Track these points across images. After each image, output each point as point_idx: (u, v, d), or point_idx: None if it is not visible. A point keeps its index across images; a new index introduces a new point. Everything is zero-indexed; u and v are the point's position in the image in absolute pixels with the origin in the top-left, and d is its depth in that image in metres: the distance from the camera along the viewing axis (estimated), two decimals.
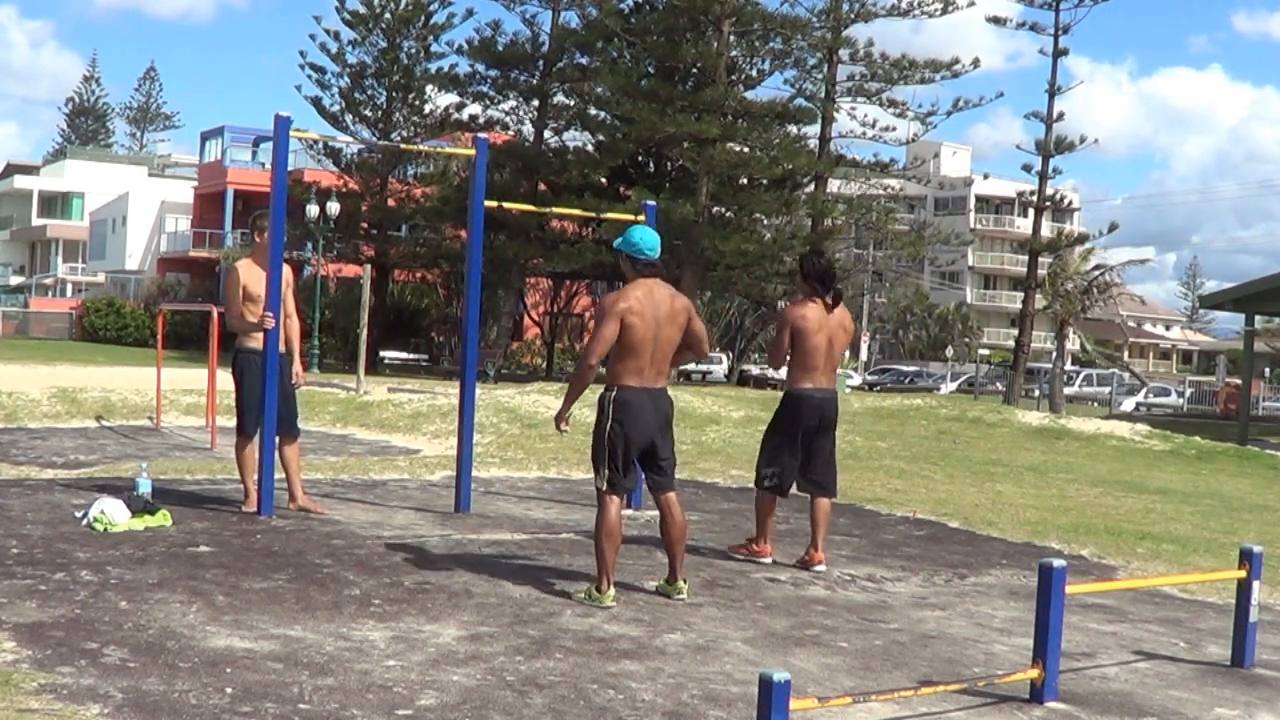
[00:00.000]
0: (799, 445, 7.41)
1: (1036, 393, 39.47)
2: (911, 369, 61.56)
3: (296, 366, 8.46)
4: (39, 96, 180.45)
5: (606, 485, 6.16)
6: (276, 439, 8.11)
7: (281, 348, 8.11)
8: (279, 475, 8.17)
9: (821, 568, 7.41)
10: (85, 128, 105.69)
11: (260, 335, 7.99)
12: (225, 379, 15.42)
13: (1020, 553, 8.50)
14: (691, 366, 46.12)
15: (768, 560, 7.50)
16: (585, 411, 16.27)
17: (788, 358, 7.43)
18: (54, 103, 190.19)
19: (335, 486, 9.80)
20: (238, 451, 8.32)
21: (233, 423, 13.87)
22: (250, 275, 8.04)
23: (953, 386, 56.71)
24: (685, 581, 6.41)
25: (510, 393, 18.61)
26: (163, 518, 7.60)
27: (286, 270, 8.31)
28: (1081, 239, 39.92)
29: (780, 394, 7.82)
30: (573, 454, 12.63)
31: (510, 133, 39.03)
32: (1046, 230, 40.47)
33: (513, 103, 39.50)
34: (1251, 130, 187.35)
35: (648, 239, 6.33)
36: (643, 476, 6.53)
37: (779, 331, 7.46)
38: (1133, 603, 7.06)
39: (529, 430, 14.82)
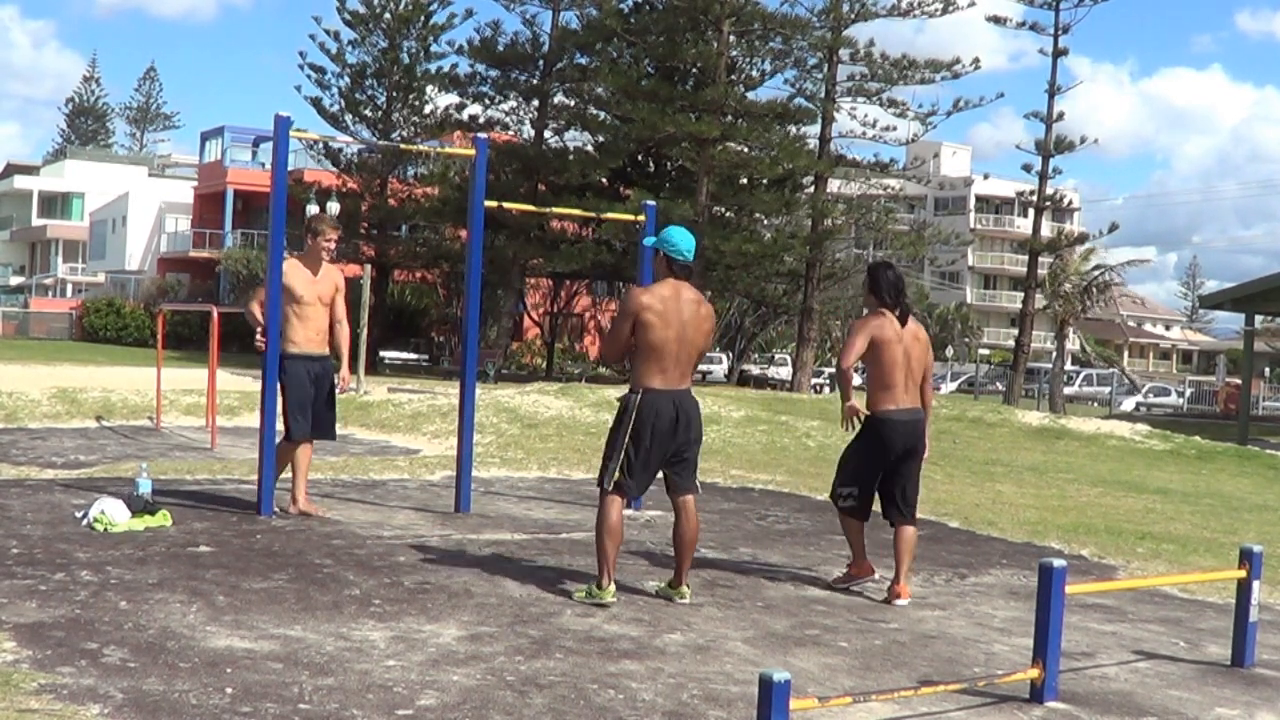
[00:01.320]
0: (882, 470, 6.78)
1: (1051, 392, 39.27)
2: None
3: (344, 371, 8.43)
4: (41, 96, 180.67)
5: (613, 485, 6.12)
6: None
7: (321, 349, 8.09)
8: (285, 474, 8.18)
9: (903, 602, 6.63)
10: (85, 128, 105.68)
11: (299, 338, 7.97)
12: (225, 379, 15.48)
13: (1020, 553, 8.51)
14: None
15: (875, 577, 6.91)
16: (585, 411, 16.27)
17: (856, 369, 6.83)
18: (56, 103, 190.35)
19: (335, 486, 9.80)
20: (280, 454, 8.22)
21: (233, 423, 13.96)
22: (296, 276, 7.98)
23: (953, 386, 56.71)
24: (689, 588, 6.38)
25: (510, 393, 18.61)
26: (163, 518, 7.60)
27: (337, 274, 8.28)
28: (1081, 239, 39.92)
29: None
30: (573, 454, 12.64)
31: (510, 133, 38.99)
32: (1046, 230, 40.46)
33: (513, 103, 39.47)
34: (1253, 130, 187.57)
35: (686, 240, 6.26)
36: (660, 475, 6.36)
37: (853, 336, 6.77)
38: (1133, 603, 7.06)
39: (529, 430, 14.82)
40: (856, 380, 7.17)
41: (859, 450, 6.85)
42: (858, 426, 6.78)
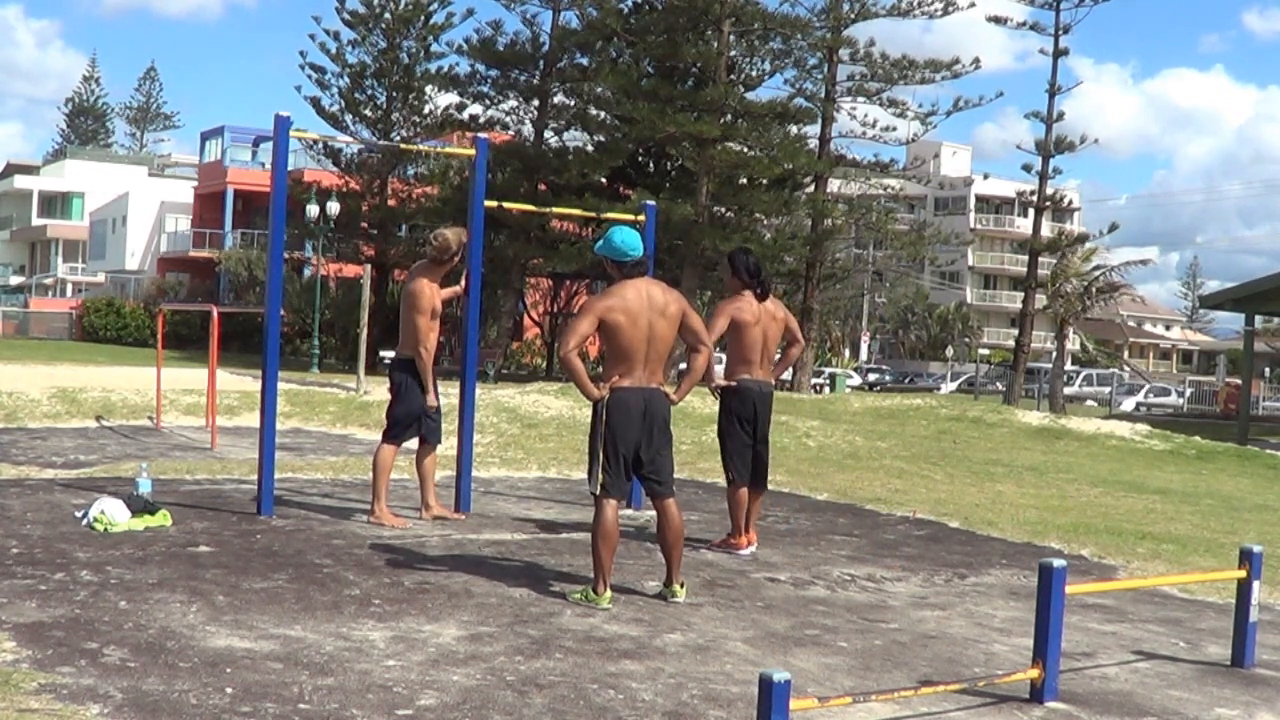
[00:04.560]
0: (749, 434, 7.75)
1: (1051, 392, 39.25)
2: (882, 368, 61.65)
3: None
4: (45, 96, 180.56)
5: (601, 489, 6.12)
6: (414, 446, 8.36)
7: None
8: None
9: (746, 552, 7.79)
10: (85, 128, 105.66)
11: (432, 348, 8.04)
12: (225, 379, 15.48)
13: (1020, 553, 8.51)
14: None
15: (746, 552, 7.79)
16: (585, 411, 16.26)
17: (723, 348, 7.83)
18: (60, 103, 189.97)
19: (335, 486, 9.80)
20: (387, 459, 8.24)
21: (233, 423, 13.96)
22: (436, 293, 8.09)
23: (953, 386, 56.73)
24: (682, 585, 6.40)
25: (510, 393, 18.61)
26: (163, 518, 7.60)
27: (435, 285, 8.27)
28: (1081, 239, 39.89)
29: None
30: (572, 454, 12.63)
31: (510, 133, 38.97)
32: (1047, 230, 40.43)
33: (513, 103, 39.43)
34: (1258, 130, 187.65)
35: (629, 240, 6.24)
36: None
37: (716, 318, 7.66)
38: (1133, 603, 7.06)
39: (529, 430, 14.82)
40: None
41: (726, 426, 7.76)
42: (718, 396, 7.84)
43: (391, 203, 40.99)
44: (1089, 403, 48.16)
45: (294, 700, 4.38)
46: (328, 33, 39.88)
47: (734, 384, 7.71)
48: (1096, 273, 39.64)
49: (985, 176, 59.08)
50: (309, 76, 40.21)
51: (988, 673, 5.30)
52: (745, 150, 35.50)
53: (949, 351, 71.22)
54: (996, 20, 38.26)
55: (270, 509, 8.11)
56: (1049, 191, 38.25)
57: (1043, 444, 17.88)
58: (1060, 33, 36.89)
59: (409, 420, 8.16)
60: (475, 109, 39.78)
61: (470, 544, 7.60)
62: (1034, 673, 4.88)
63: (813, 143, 37.05)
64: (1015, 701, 4.90)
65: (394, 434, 8.22)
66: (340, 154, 40.76)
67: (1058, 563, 4.88)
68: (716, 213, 35.68)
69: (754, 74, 37.56)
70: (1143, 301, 65.11)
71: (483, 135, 9.52)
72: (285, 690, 4.48)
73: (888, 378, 60.37)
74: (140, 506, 7.66)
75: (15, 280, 73.52)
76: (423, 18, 40.02)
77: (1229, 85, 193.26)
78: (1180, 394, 53.41)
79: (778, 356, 8.16)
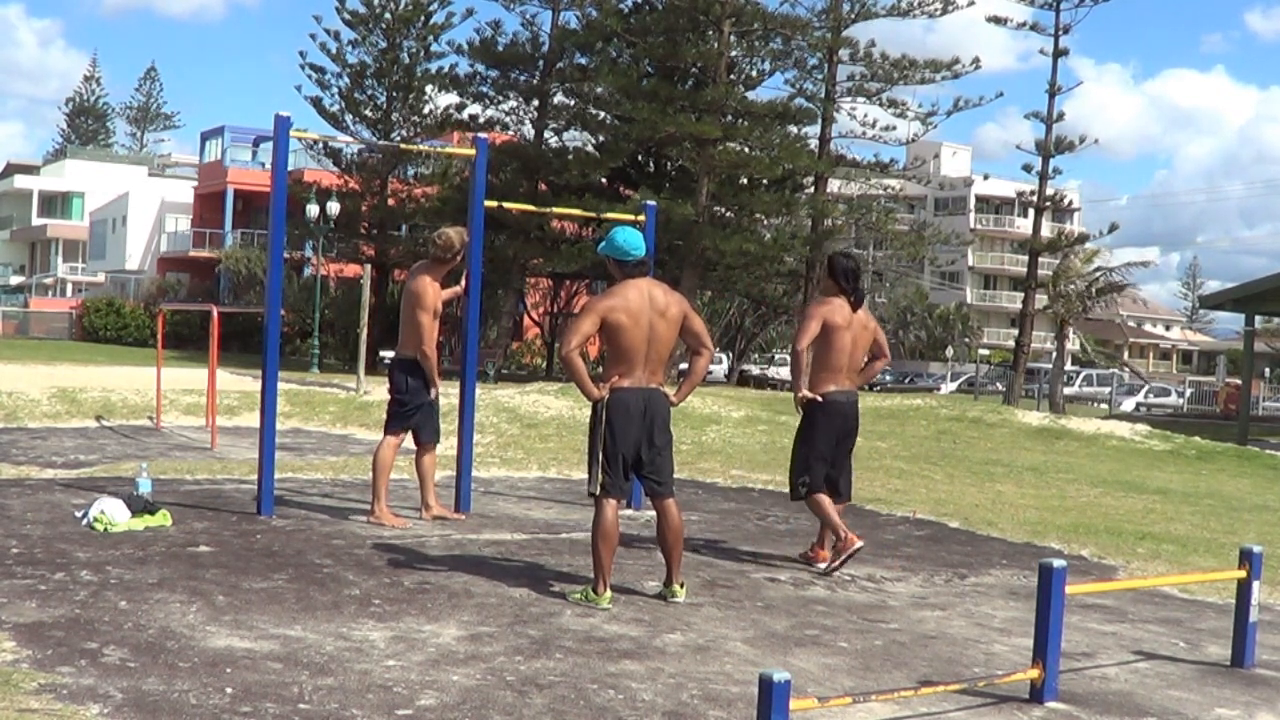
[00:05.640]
0: (830, 449, 7.30)
1: (1051, 392, 39.18)
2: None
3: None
4: (46, 96, 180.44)
5: (600, 489, 6.13)
6: (416, 446, 8.34)
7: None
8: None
9: (824, 565, 7.43)
10: (85, 127, 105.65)
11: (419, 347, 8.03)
12: (225, 379, 15.49)
13: (1020, 553, 8.51)
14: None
15: (860, 545, 7.20)
16: (585, 411, 16.29)
17: (810, 353, 7.28)
18: (61, 103, 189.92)
19: (335, 486, 9.80)
20: (388, 457, 8.23)
21: (233, 423, 13.96)
22: (439, 292, 8.10)
23: (953, 386, 56.74)
24: (682, 585, 6.40)
25: (510, 393, 18.62)
26: (163, 518, 7.60)
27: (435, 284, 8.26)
28: (1082, 239, 39.90)
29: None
30: (572, 454, 12.63)
31: (510, 133, 38.97)
32: (1047, 230, 40.44)
33: (513, 103, 39.45)
34: (1259, 131, 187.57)
35: (632, 240, 6.25)
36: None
37: (808, 319, 7.21)
38: (1133, 603, 7.06)
39: (529, 430, 14.82)
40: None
41: (805, 439, 7.31)
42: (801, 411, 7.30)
43: (391, 203, 40.98)
44: (1100, 404, 48.18)
45: (294, 700, 4.38)
46: (328, 32, 39.88)
47: (821, 398, 7.19)
48: (1097, 273, 39.65)
49: (985, 177, 59.09)
50: (309, 76, 40.21)
51: (988, 673, 5.30)
52: (745, 150, 35.50)
53: (949, 352, 71.20)
54: (996, 20, 38.28)
55: (270, 509, 8.11)
56: (1049, 192, 38.25)
57: (1043, 444, 17.88)
58: (1060, 33, 36.90)
59: (410, 412, 8.15)
60: (475, 109, 39.80)
61: (470, 544, 7.60)
62: (1034, 673, 4.88)
63: (813, 143, 37.06)
64: (1015, 701, 4.90)
65: (394, 426, 8.23)
66: (340, 154, 40.76)
67: (1058, 563, 4.88)
68: (717, 213, 35.68)
69: (754, 74, 37.58)
70: (1144, 304, 65.08)
71: (483, 135, 9.53)
72: (285, 690, 4.48)
73: (888, 378, 60.32)
74: (140, 506, 7.66)
75: (15, 280, 73.50)
76: (423, 18, 40.01)
77: (1230, 85, 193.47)
78: (1180, 394, 53.43)
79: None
